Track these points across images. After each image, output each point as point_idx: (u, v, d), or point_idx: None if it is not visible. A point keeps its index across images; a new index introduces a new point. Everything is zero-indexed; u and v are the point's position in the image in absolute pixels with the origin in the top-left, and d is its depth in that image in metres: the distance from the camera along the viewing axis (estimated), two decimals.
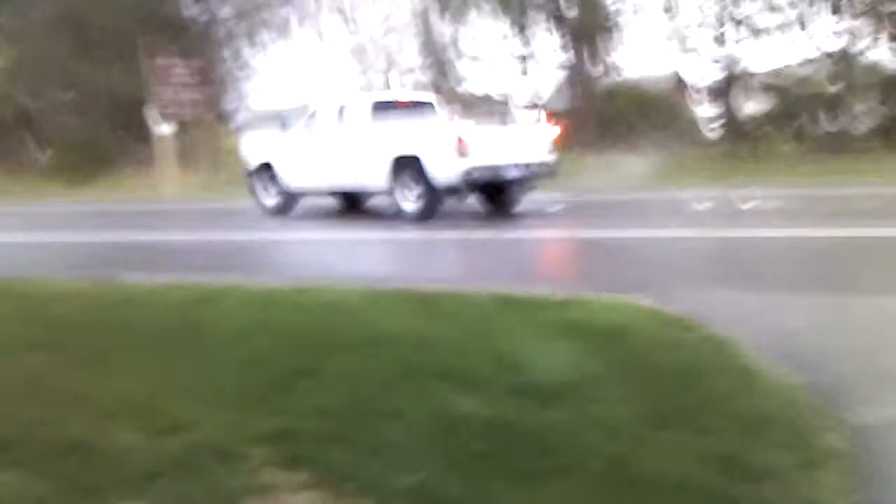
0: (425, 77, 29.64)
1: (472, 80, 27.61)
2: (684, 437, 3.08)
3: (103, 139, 25.21)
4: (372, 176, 11.95)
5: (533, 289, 5.73)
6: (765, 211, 11.04)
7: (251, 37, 28.17)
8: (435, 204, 11.44)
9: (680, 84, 24.45)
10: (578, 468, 2.82)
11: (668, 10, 23.20)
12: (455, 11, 26.24)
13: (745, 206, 11.51)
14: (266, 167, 13.61)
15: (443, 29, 27.62)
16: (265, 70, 30.49)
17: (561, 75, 25.91)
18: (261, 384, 3.79)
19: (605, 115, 22.03)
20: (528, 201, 12.94)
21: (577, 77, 24.15)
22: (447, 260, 8.82)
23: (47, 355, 4.44)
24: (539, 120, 12.99)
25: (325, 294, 5.66)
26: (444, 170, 11.07)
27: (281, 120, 13.63)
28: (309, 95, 25.78)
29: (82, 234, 12.10)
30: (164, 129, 20.92)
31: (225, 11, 26.81)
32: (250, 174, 14.03)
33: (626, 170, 16.72)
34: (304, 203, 13.85)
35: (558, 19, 23.91)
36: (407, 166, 11.45)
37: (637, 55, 24.06)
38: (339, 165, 12.52)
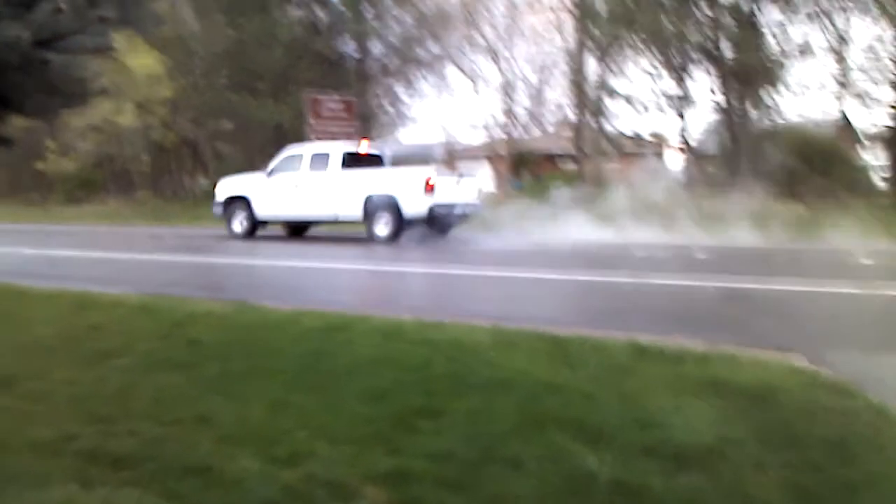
0: (573, 115, 29.48)
1: (622, 118, 27.24)
2: None
3: (255, 166, 26.53)
4: (348, 209, 15.34)
5: (678, 339, 5.38)
6: None
7: (402, 73, 28.93)
8: (401, 231, 14.70)
9: (846, 129, 23.14)
10: None
11: (834, 50, 22.04)
12: (607, 49, 25.96)
13: None
14: (238, 200, 16.75)
15: (593, 67, 27.40)
16: (415, 105, 31.31)
17: (715, 117, 25.10)
18: (381, 420, 3.71)
19: (762, 160, 21.06)
20: (673, 247, 12.47)
21: (731, 119, 23.27)
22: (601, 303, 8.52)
23: (179, 374, 4.55)
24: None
25: (451, 330, 5.55)
26: (414, 205, 14.47)
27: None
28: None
29: (223, 257, 12.68)
30: None
31: (377, 48, 27.70)
32: (221, 205, 17.18)
33: (783, 217, 15.86)
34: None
35: (715, 59, 23.16)
36: (379, 202, 14.87)
37: (799, 98, 22.87)
38: (316, 200, 15.72)
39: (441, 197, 14.54)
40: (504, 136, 31.69)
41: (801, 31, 22.41)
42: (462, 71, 30.84)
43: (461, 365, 4.66)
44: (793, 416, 3.77)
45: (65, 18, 2.22)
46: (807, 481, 3.02)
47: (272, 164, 16.68)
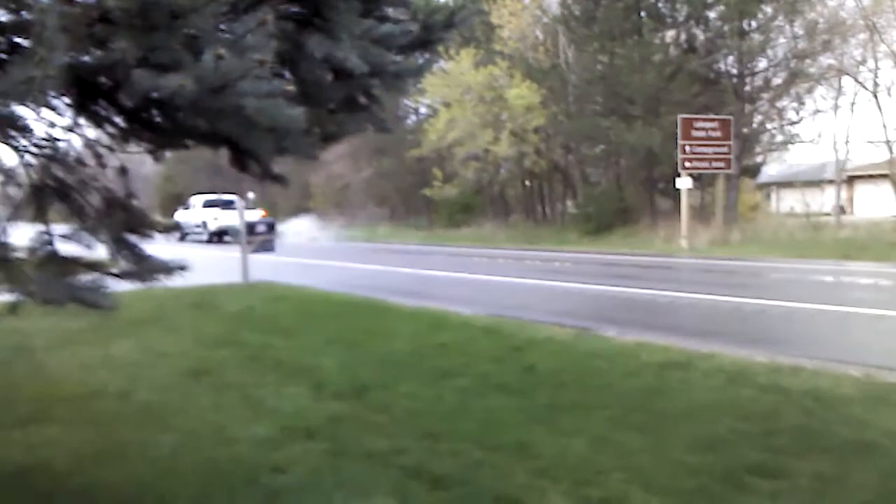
0: None
1: None
2: None
3: (624, 191, 26.39)
4: (201, 227, 29.06)
5: None
6: None
7: (788, 88, 26.86)
8: (213, 238, 28.10)
9: None
10: None
11: None
12: None
13: None
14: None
15: None
16: (803, 123, 28.89)
17: None
18: (708, 472, 3.35)
19: None
20: None
21: None
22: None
23: (509, 399, 4.56)
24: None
25: (811, 377, 4.90)
26: (212, 227, 28.31)
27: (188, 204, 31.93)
28: None
29: (582, 283, 12.47)
30: (683, 182, 21.04)
31: (760, 64, 26.00)
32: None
33: None
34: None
35: None
36: (203, 225, 29.02)
37: None
38: (196, 223, 29.51)
39: (222, 223, 26.96)
40: None
41: None
42: (860, 82, 27.70)
43: (816, 419, 4.07)
44: None
45: (228, 66, 2.39)
46: None
47: (188, 204, 31.50)
